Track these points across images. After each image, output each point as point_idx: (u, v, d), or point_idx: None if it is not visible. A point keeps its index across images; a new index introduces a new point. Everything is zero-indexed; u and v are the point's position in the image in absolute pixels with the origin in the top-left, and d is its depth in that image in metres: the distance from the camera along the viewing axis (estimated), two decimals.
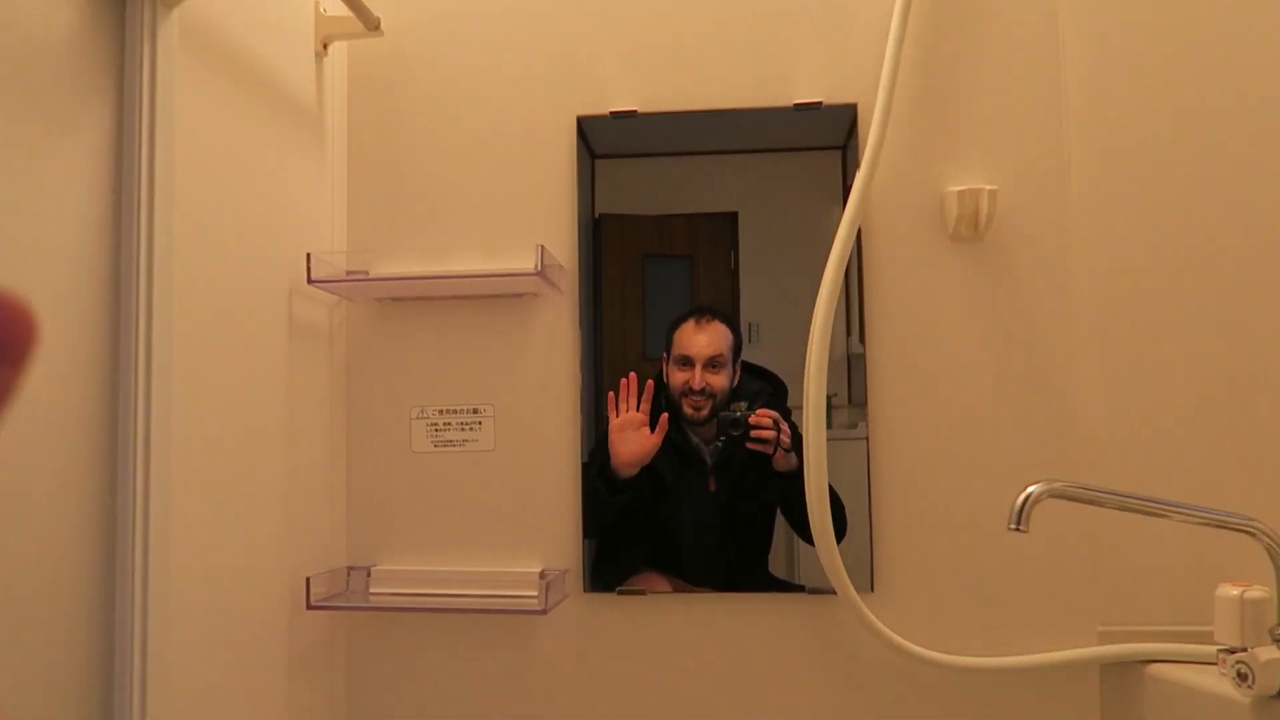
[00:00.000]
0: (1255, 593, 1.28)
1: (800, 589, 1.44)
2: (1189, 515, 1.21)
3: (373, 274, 1.45)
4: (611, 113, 1.51)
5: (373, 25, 1.46)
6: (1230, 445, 1.39)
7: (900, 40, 1.41)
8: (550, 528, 1.48)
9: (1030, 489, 1.15)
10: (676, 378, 1.45)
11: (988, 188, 1.40)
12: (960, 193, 1.40)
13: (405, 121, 1.53)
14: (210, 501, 1.15)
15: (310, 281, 1.36)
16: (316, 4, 1.46)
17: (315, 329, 1.44)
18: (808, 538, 1.36)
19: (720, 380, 1.44)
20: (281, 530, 1.32)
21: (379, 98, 1.54)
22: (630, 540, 1.46)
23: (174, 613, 1.04)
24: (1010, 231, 1.43)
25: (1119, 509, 1.21)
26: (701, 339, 1.45)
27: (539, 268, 1.35)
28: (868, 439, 1.44)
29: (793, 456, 1.40)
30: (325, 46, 1.48)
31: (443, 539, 1.49)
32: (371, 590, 1.45)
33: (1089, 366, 1.42)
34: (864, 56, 1.46)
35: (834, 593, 1.37)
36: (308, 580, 1.34)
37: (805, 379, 1.34)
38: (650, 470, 1.44)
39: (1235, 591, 1.28)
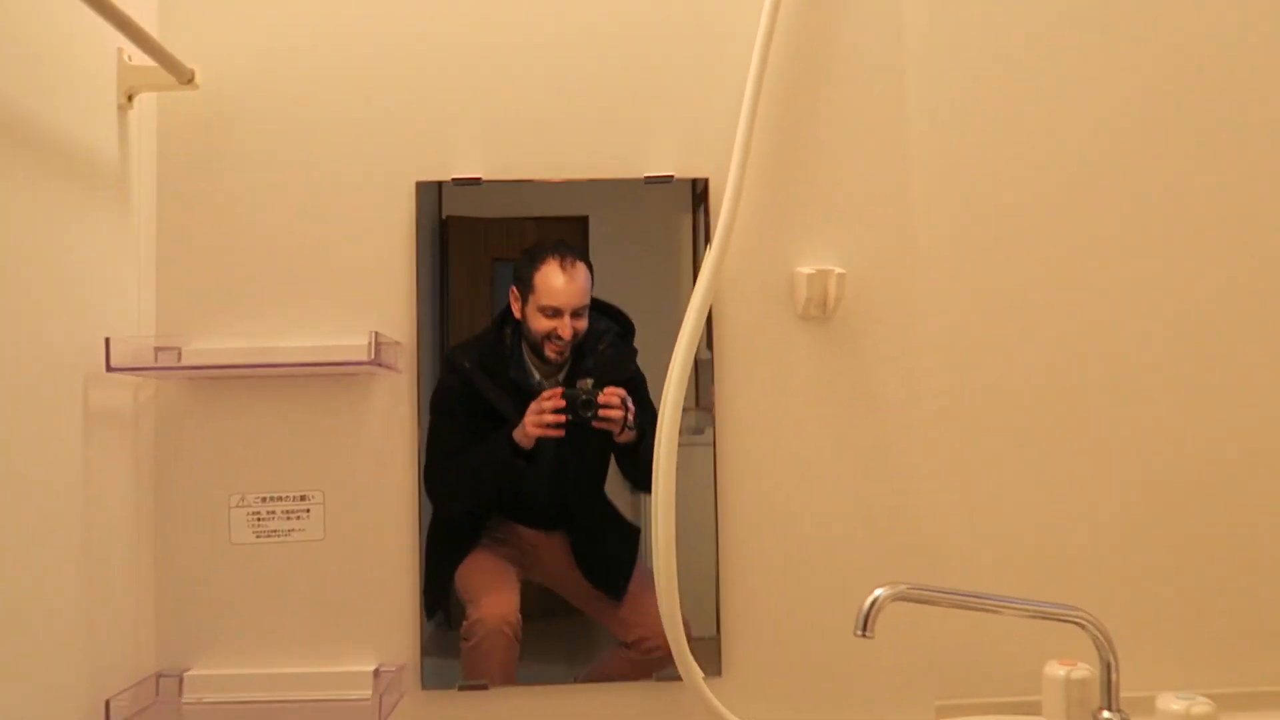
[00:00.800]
0: (1080, 672, 1.33)
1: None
2: (1020, 609, 1.25)
3: (185, 356, 1.32)
4: (454, 179, 1.43)
5: (185, 79, 1.33)
6: (1068, 527, 1.45)
7: (752, 119, 1.39)
8: (386, 621, 1.39)
9: (876, 593, 1.15)
10: (541, 324, 1.40)
11: (836, 270, 1.40)
12: (810, 276, 1.40)
13: (224, 183, 1.40)
14: None
15: (110, 369, 1.22)
16: (120, 51, 1.31)
17: (117, 414, 1.29)
18: (643, 486, 1.38)
19: (583, 324, 1.41)
20: (78, 641, 1.17)
21: (194, 156, 1.40)
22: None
23: None
24: (858, 312, 1.44)
25: (954, 607, 1.23)
26: (573, 289, 1.40)
27: (373, 356, 1.25)
28: (716, 526, 1.42)
29: (634, 433, 1.40)
30: (130, 98, 1.33)
31: (267, 639, 1.37)
32: (184, 699, 1.32)
33: (932, 449, 1.44)
34: (716, 132, 1.44)
35: (681, 680, 1.35)
36: (107, 704, 1.20)
37: (654, 484, 1.32)
38: (490, 410, 1.40)
39: (1062, 671, 1.33)
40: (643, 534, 1.42)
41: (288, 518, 1.39)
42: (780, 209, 1.44)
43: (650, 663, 1.40)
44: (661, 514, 1.32)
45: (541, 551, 1.43)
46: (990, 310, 1.46)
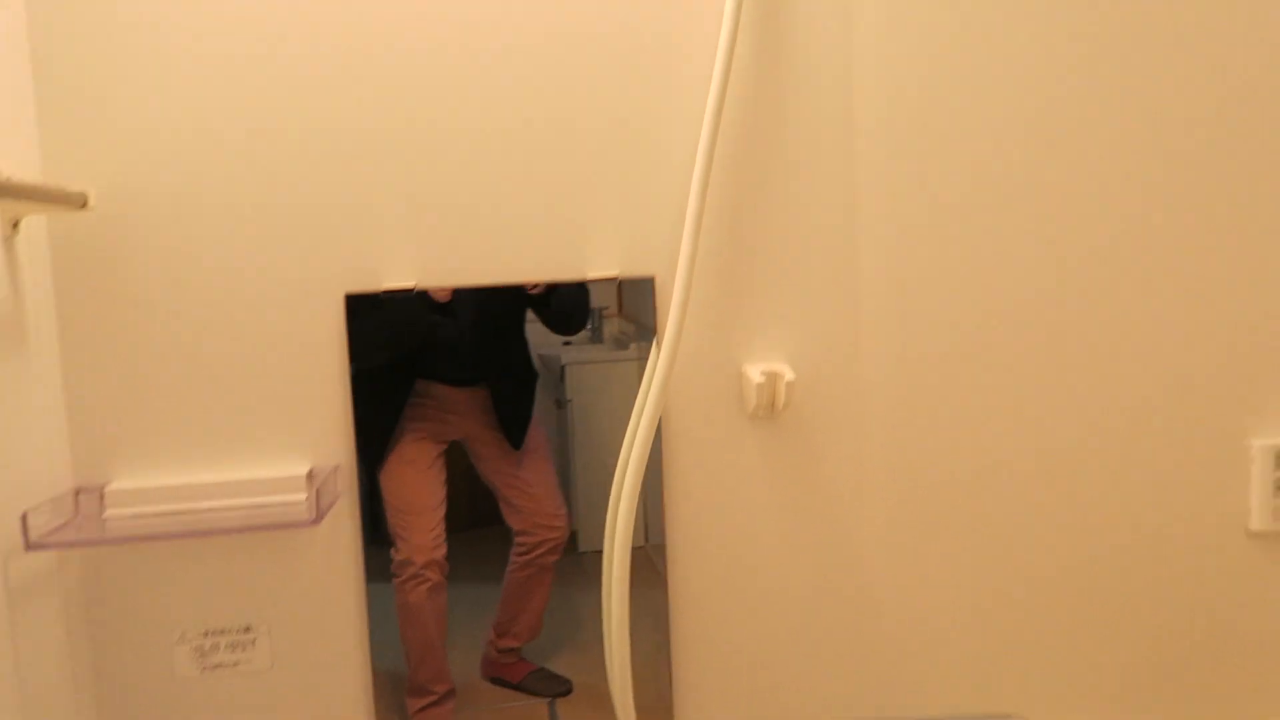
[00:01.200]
0: None
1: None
2: None
3: (108, 500, 1.24)
4: (386, 290, 1.34)
5: (78, 204, 1.20)
6: (1014, 617, 1.51)
7: (698, 221, 1.33)
8: None
9: None
10: None
11: (786, 377, 1.38)
12: (759, 385, 1.38)
13: (132, 311, 1.28)
14: None
15: (29, 548, 1.14)
16: None
17: (41, 575, 1.22)
18: (559, 331, 1.42)
19: None
20: None
21: (95, 284, 1.27)
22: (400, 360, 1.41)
23: None
24: (807, 409, 1.44)
25: None
26: None
27: (314, 515, 1.20)
28: (668, 605, 1.44)
29: (542, 286, 1.39)
30: (15, 225, 1.19)
31: None
32: None
33: (882, 547, 1.47)
34: (662, 229, 1.38)
35: None
36: None
37: (606, 601, 1.31)
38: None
39: None
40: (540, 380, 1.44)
41: (233, 649, 1.35)
42: (727, 306, 1.41)
43: (538, 572, 1.44)
44: (616, 632, 1.33)
45: (460, 409, 1.43)
46: (937, 410, 1.46)
